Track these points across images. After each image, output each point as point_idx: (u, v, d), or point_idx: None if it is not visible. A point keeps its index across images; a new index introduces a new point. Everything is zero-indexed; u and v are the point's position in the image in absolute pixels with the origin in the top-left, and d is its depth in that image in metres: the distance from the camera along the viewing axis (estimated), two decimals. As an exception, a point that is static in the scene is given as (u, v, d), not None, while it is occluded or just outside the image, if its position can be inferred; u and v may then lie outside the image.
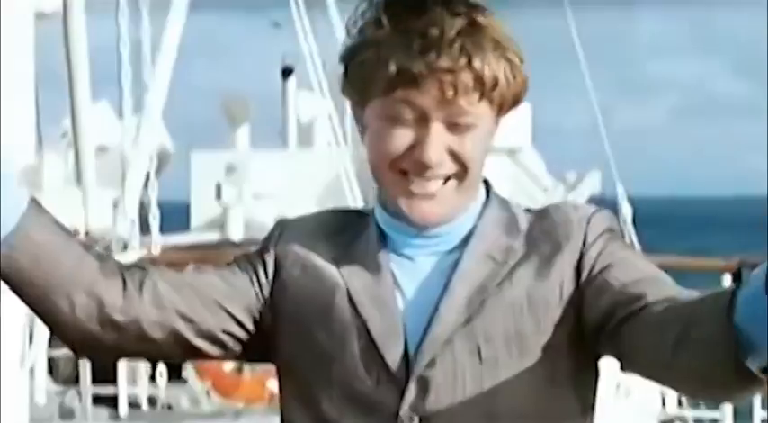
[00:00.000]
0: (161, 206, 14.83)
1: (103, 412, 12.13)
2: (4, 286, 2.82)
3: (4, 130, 11.60)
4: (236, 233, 16.15)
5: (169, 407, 13.08)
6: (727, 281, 11.20)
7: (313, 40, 19.00)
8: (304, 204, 12.78)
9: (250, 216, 17.89)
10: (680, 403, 15.02)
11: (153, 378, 13.12)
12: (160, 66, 14.20)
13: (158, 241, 13.43)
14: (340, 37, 19.28)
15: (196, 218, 18.66)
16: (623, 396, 14.70)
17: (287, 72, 21.30)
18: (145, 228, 13.18)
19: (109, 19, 14.73)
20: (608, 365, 10.25)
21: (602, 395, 10.46)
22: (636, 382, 14.95)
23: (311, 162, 19.22)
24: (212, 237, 16.48)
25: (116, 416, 12.14)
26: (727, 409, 11.53)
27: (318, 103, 19.75)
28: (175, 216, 16.93)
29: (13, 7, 12.36)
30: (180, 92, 15.23)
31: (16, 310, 11.82)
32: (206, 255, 15.72)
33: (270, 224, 11.80)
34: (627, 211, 18.57)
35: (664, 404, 15.09)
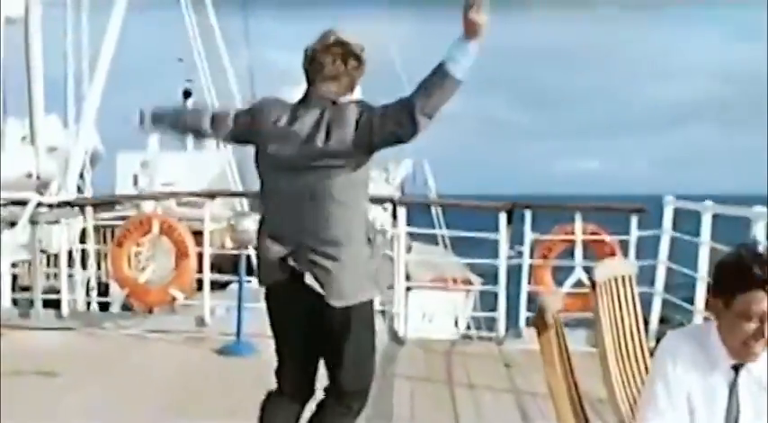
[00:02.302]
0: (95, 191, 14.84)
1: (51, 312, 12.05)
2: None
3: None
4: (148, 209, 16.02)
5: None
6: (502, 217, 11.34)
7: (208, 72, 19.10)
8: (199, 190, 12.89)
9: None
10: (468, 327, 15.20)
11: (88, 289, 13.16)
12: (94, 87, 14.15)
13: (90, 219, 13.32)
14: (227, 69, 19.49)
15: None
16: (428, 322, 14.85)
17: (187, 94, 21.40)
18: (82, 211, 13.04)
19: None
20: (417, 300, 10.35)
21: (413, 321, 10.49)
22: (437, 311, 15.14)
23: (204, 159, 19.28)
24: (131, 212, 16.32)
25: (60, 315, 12.07)
26: (501, 325, 11.51)
27: (210, 117, 19.89)
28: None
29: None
30: (111, 108, 15.21)
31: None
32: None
33: (172, 204, 11.66)
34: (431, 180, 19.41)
35: (456, 325, 15.28)
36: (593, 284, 5.12)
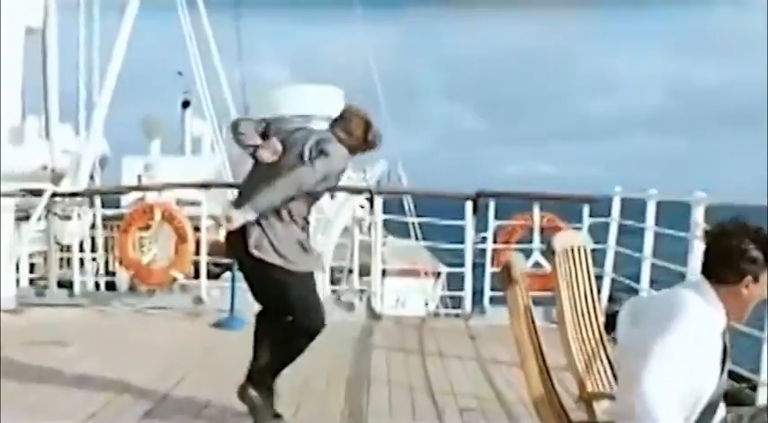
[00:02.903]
0: (103, 192, 14.61)
1: (64, 292, 12.00)
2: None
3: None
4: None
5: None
6: (469, 205, 11.32)
7: (205, 84, 18.94)
8: (195, 190, 12.83)
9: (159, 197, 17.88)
10: (437, 307, 15.17)
11: (97, 272, 13.13)
12: (103, 97, 14.06)
13: (100, 212, 13.28)
14: (223, 82, 19.27)
15: (125, 199, 18.39)
16: (401, 306, 14.80)
17: (185, 104, 21.39)
18: (91, 204, 13.01)
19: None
20: (391, 285, 10.23)
21: (388, 305, 10.37)
22: (409, 296, 15.06)
23: (200, 163, 19.27)
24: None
25: (72, 294, 12.01)
26: (467, 303, 11.47)
27: (205, 125, 19.80)
28: (112, 198, 16.75)
29: (8, 21, 12.22)
30: (116, 116, 15.13)
31: (6, 225, 11.68)
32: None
33: (171, 202, 11.47)
34: (404, 178, 19.32)
35: (426, 306, 15.21)
36: (553, 252, 5.06)
